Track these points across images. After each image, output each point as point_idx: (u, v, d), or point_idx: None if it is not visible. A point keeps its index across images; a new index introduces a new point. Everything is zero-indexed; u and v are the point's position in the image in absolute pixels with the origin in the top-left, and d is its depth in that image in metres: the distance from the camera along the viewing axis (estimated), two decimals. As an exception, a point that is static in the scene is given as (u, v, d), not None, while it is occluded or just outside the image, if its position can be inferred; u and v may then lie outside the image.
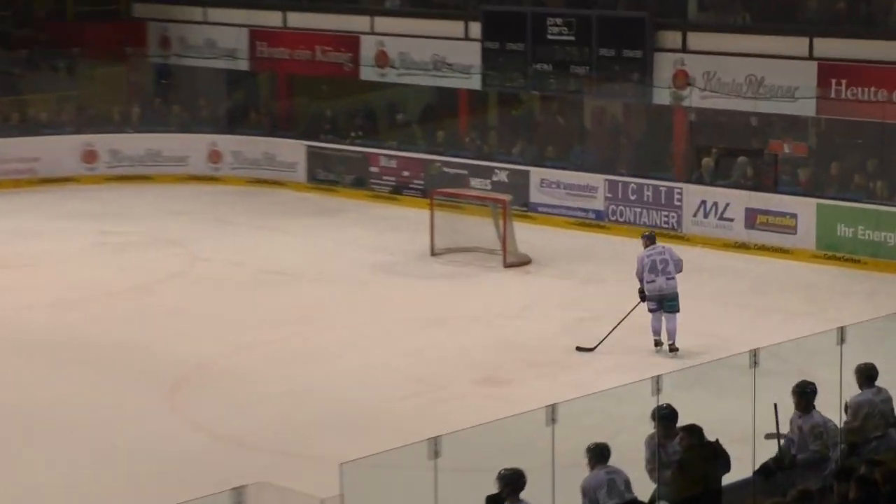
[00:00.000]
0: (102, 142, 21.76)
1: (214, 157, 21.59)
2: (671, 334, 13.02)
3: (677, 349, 13.05)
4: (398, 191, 20.36)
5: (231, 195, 21.38)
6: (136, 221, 19.32)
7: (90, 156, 21.39)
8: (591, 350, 13.54)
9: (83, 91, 23.52)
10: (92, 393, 13.14)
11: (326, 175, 21.41)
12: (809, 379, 8.66)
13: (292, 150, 21.82)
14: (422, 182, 19.71)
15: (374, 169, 20.89)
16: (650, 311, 13.28)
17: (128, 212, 19.98)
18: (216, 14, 23.25)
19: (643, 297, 13.32)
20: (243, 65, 23.15)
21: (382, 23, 21.61)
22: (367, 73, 21.80)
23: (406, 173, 20.28)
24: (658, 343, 13.28)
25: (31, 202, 20.58)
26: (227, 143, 22.30)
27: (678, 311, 12.83)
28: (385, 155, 20.98)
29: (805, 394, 8.17)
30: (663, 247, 13.81)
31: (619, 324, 13.36)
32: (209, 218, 19.40)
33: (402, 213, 19.57)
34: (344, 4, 22.66)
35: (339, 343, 14.57)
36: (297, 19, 22.56)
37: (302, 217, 19.79)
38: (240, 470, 9.59)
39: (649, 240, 13.75)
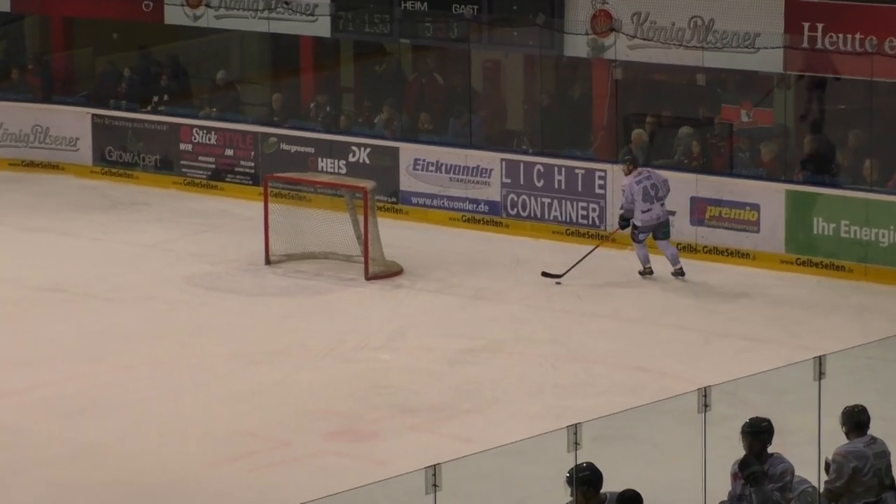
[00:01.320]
0: None
1: None
2: (675, 259, 13.35)
3: (684, 273, 13.67)
4: (219, 176, 17.28)
5: None
6: None
7: None
8: (559, 277, 13.31)
9: None
10: None
11: (120, 155, 18.14)
12: (782, 424, 7.81)
13: (73, 121, 18.58)
14: (252, 164, 16.94)
15: (185, 146, 17.78)
16: (638, 241, 13.56)
17: None
18: None
19: (626, 226, 13.47)
20: (3, 5, 19.50)
21: None
22: (175, 16, 18.40)
23: (229, 152, 17.23)
24: (649, 271, 13.42)
25: None
26: None
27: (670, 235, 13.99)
28: (200, 127, 17.79)
29: (759, 433, 7.16)
30: (648, 170, 13.69)
31: (585, 256, 13.40)
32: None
33: (226, 206, 16.88)
34: None
35: (140, 386, 11.94)
36: None
37: (88, 213, 16.95)
38: None
39: (633, 163, 13.45)
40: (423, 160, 16.18)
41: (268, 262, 14.34)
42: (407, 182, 16.17)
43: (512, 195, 15.73)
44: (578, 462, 6.27)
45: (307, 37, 17.51)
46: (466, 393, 11.36)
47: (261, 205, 14.72)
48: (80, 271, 14.79)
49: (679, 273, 13.73)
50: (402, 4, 16.76)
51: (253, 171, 16.79)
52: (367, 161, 16.14)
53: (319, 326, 13.29)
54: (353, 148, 16.60)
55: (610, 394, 11.02)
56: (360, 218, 14.22)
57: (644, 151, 15.66)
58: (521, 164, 15.74)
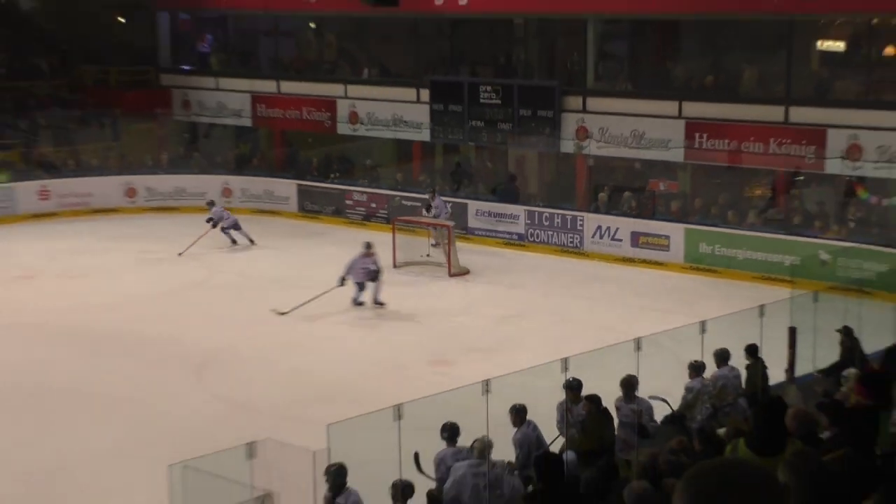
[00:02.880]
0: (140, 181, 21.70)
1: (227, 192, 21.43)
2: (377, 294, 14.92)
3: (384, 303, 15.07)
4: (367, 218, 20.05)
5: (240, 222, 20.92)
6: (168, 242, 18.98)
7: (131, 192, 21.41)
8: (285, 314, 14.77)
9: (124, 142, 23.25)
10: (133, 374, 13.20)
11: (312, 206, 21.16)
12: (682, 358, 9.65)
13: (286, 188, 21.63)
14: (386, 212, 19.50)
15: (348, 202, 20.64)
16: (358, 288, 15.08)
17: (161, 235, 19.73)
18: (225, 83, 23.02)
19: (342, 283, 14.94)
20: (247, 122, 22.96)
21: (354, 90, 21.34)
22: (343, 129, 21.60)
23: (373, 205, 20.06)
24: (360, 303, 14.97)
25: (85, 228, 20.26)
26: (237, 182, 21.85)
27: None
28: (357, 191, 20.82)
29: (631, 385, 8.60)
30: (374, 258, 15.17)
31: (316, 297, 14.63)
32: (224, 240, 19.15)
33: (371, 235, 18.91)
34: (323, 75, 22.50)
35: (326, 333, 14.76)
36: (289, 87, 22.39)
37: (294, 238, 19.66)
38: (251, 430, 9.46)
39: (367, 247, 15.16)
40: (481, 210, 18.82)
41: (395, 266, 16.76)
42: (472, 222, 18.70)
43: (530, 230, 18.26)
44: (568, 377, 8.32)
45: (417, 141, 20.45)
46: (505, 340, 13.78)
47: (390, 234, 17.35)
48: (289, 270, 17.57)
49: (380, 304, 15.27)
50: (470, 123, 19.07)
51: (387, 215, 19.21)
52: (450, 210, 18.38)
53: (425, 303, 15.77)
54: (443, 203, 18.45)
55: (586, 342, 11.89)
56: (446, 241, 16.86)
57: (605, 206, 17.98)
58: (536, 212, 18.36)
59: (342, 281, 15.19)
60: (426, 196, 18.49)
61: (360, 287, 15.38)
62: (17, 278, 16.73)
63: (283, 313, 14.73)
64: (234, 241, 18.63)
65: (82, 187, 21.12)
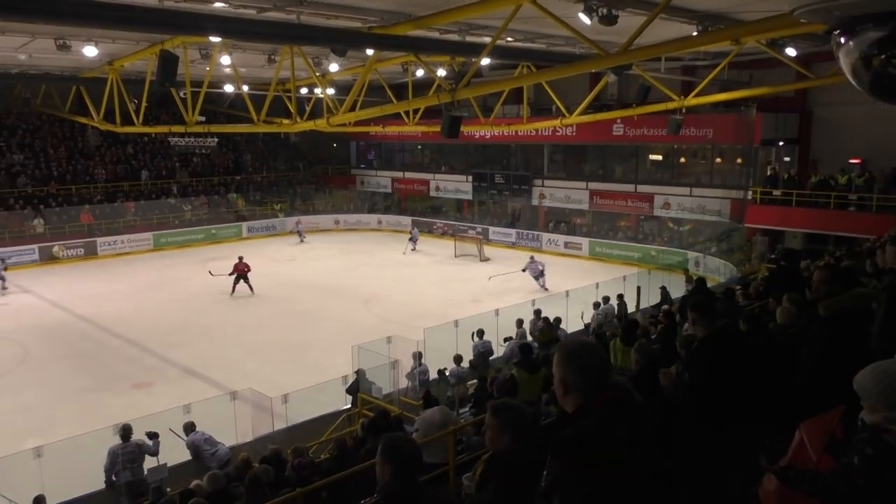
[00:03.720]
0: (343, 218, 29.35)
1: (378, 222, 27.77)
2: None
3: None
4: (443, 234, 27.41)
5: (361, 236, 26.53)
6: (356, 248, 24.24)
7: (335, 222, 28.24)
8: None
9: (335, 199, 30.93)
10: (334, 304, 16.99)
11: (420, 229, 27.11)
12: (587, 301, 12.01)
13: (407, 221, 28.44)
14: (451, 231, 26.54)
15: (436, 227, 28.24)
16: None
17: (358, 245, 25.18)
18: (381, 174, 30.15)
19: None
20: (388, 191, 29.96)
21: (437, 176, 28.59)
22: (433, 193, 28.24)
23: (447, 229, 27.56)
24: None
25: (314, 239, 26.63)
26: (385, 217, 29.37)
27: None
28: (440, 222, 28.55)
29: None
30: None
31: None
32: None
33: (447, 243, 25.60)
34: (423, 169, 28.84)
35: (421, 286, 19.03)
36: (408, 175, 29.20)
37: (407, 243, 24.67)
38: (391, 330, 11.79)
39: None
40: (497, 230, 25.83)
41: (455, 256, 22.59)
42: (492, 235, 25.53)
43: (518, 240, 24.54)
44: (535, 308, 12.08)
45: (466, 199, 27.66)
46: (505, 294, 16.78)
47: (453, 242, 23.62)
48: (414, 257, 22.68)
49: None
50: (490, 191, 25.97)
51: (452, 233, 25.55)
52: (418, 233, 25.01)
53: (468, 272, 20.52)
54: (416, 231, 24.79)
55: (546, 293, 16.07)
56: (480, 245, 23.02)
57: (552, 228, 23.20)
58: (520, 232, 25.03)
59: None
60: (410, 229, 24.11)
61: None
62: (286, 260, 23.26)
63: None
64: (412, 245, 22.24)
65: (313, 221, 29.26)
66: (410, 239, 24.22)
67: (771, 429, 2.92)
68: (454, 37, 11.64)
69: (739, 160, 21.26)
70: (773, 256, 14.20)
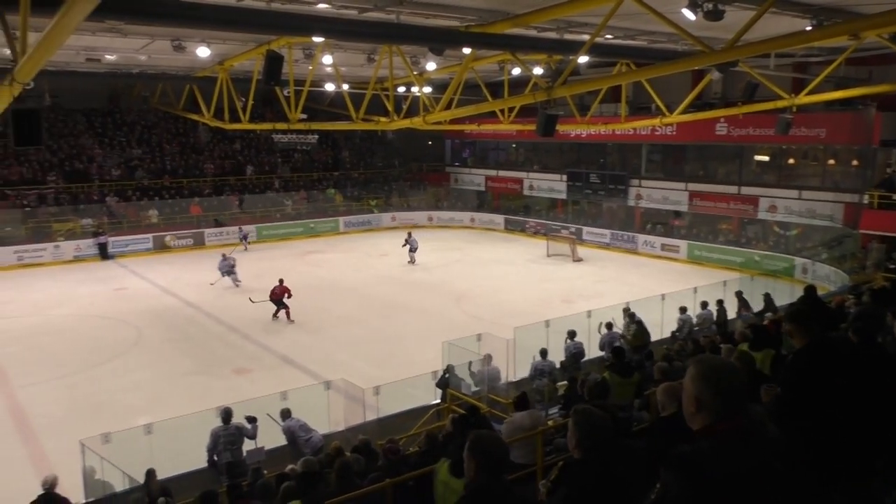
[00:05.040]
0: (436, 215, 29.41)
1: (472, 220, 28.08)
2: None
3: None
4: (536, 233, 27.39)
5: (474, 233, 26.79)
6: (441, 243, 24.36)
7: (429, 218, 28.47)
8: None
9: (427, 196, 31.21)
10: (426, 300, 17.28)
11: (511, 227, 28.74)
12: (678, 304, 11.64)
13: (499, 218, 28.56)
14: (544, 230, 26.59)
15: (528, 225, 28.54)
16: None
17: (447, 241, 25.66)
18: (475, 171, 30.17)
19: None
20: (482, 188, 29.86)
21: (531, 175, 28.38)
22: (526, 192, 28.14)
23: (540, 229, 27.38)
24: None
25: (403, 234, 24.30)
26: (477, 216, 29.07)
27: None
28: (532, 220, 28.60)
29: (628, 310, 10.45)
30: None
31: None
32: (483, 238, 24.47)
33: (539, 242, 25.91)
34: (517, 167, 28.59)
35: (512, 285, 18.95)
36: (502, 174, 29.04)
37: (503, 243, 26.04)
38: (482, 328, 11.67)
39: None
40: (592, 231, 25.42)
41: (547, 255, 22.82)
42: (586, 235, 25.22)
43: (614, 242, 24.22)
44: (628, 308, 11.62)
45: (560, 199, 27.57)
46: (596, 292, 17.24)
47: (546, 241, 23.66)
48: (505, 255, 22.77)
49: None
50: (585, 190, 25.79)
51: (545, 232, 25.55)
52: (574, 231, 24.83)
53: (561, 272, 20.68)
54: (415, 239, 22.76)
55: (636, 295, 14.56)
56: (573, 245, 22.88)
57: (648, 230, 24.33)
58: (615, 233, 24.59)
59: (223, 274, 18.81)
60: (406, 236, 22.51)
61: (226, 274, 18.98)
62: (379, 255, 23.85)
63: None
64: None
65: (409, 217, 29.34)
66: (410, 250, 22.67)
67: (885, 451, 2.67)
68: (552, 35, 11.60)
69: (855, 162, 20.47)
70: (892, 266, 13.76)
